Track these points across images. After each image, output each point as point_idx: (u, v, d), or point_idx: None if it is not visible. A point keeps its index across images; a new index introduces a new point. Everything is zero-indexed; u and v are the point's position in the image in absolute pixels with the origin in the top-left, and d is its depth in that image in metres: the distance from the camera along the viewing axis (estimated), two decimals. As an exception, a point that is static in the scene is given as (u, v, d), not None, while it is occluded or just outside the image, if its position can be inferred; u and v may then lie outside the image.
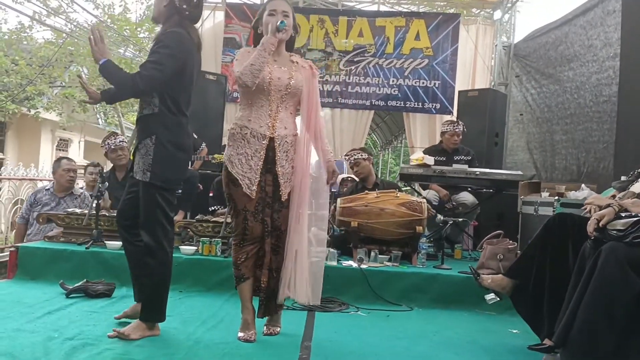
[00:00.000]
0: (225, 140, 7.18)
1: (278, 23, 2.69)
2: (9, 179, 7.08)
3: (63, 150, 15.14)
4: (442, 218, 4.52)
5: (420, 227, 4.26)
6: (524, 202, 5.18)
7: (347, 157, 5.25)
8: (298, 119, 2.91)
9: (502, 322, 3.45)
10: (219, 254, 3.90)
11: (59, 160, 4.99)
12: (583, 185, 4.70)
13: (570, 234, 2.70)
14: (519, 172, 5.06)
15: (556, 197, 4.61)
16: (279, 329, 2.88)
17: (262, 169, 2.75)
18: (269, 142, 2.76)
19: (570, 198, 4.56)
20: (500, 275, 2.98)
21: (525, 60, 7.71)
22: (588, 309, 2.31)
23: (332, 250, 4.04)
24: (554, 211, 4.38)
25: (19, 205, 6.87)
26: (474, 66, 8.09)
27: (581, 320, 2.32)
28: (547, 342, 2.63)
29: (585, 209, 2.75)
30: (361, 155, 5.08)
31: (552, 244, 2.74)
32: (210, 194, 5.07)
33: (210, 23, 8.17)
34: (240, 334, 2.73)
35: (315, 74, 2.92)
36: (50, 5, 12.06)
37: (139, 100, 2.81)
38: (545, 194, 4.89)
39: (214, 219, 4.21)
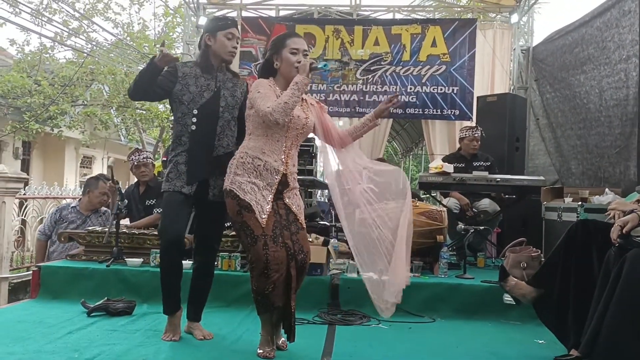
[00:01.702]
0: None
1: (320, 65, 2.73)
2: (33, 198, 7.19)
3: (87, 167, 15.38)
4: (463, 226, 4.45)
5: (441, 236, 4.20)
6: (546, 208, 5.09)
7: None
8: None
9: (527, 332, 3.36)
10: (238, 268, 3.89)
11: (97, 179, 4.93)
12: (607, 189, 4.59)
13: (594, 240, 2.64)
14: (541, 178, 4.96)
15: (580, 203, 4.51)
16: (283, 339, 2.83)
17: (272, 201, 2.73)
18: (282, 177, 2.75)
19: (594, 203, 4.46)
20: (524, 282, 2.92)
21: (542, 64, 7.59)
22: (614, 318, 2.24)
23: (352, 262, 4.00)
24: (577, 217, 4.29)
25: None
26: (493, 71, 8.00)
27: (607, 330, 2.26)
28: (574, 352, 2.57)
29: (609, 214, 2.69)
30: None
31: (575, 252, 2.68)
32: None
33: (227, 37, 8.22)
34: (260, 351, 2.70)
35: (324, 108, 2.95)
36: (70, 26, 12.29)
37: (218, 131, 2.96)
38: (568, 199, 4.79)
39: (233, 234, 4.20)
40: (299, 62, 2.72)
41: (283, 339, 2.83)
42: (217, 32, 2.94)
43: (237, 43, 3.00)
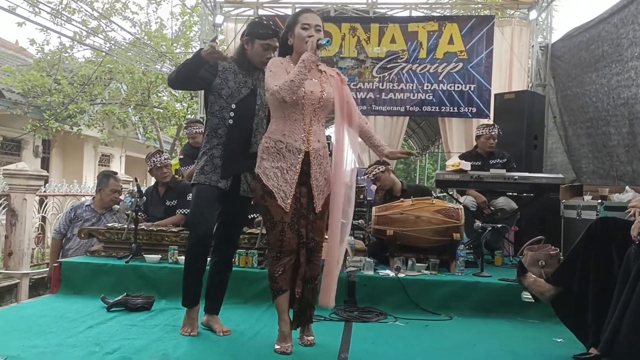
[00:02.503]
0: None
1: (323, 42, 2.69)
2: (53, 195, 7.29)
3: (105, 165, 15.52)
4: (480, 224, 4.43)
5: (458, 234, 4.18)
6: (565, 206, 5.04)
7: (366, 176, 5.27)
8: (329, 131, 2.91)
9: (545, 330, 3.34)
10: (255, 265, 3.91)
11: (107, 177, 4.96)
12: (627, 187, 4.53)
13: (614, 238, 2.61)
14: (560, 176, 4.91)
15: (599, 201, 4.46)
16: (313, 337, 2.86)
17: (297, 182, 2.74)
18: (305, 156, 2.75)
19: (614, 201, 4.41)
20: (543, 279, 2.90)
21: (559, 61, 7.51)
22: (634, 316, 2.22)
23: (368, 259, 4.01)
24: (597, 215, 4.24)
25: (63, 221, 7.05)
26: (510, 68, 7.94)
27: (627, 328, 2.24)
28: (593, 351, 2.55)
29: (629, 212, 2.66)
30: (379, 169, 5.09)
31: (595, 250, 2.66)
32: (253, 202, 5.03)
33: (243, 36, 8.26)
34: (277, 346, 2.72)
35: (344, 80, 2.90)
36: (89, 26, 12.41)
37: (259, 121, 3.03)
38: (587, 197, 4.74)
39: (250, 231, 4.23)
40: (310, 37, 2.72)
41: (312, 337, 2.86)
42: (255, 39, 2.97)
43: (274, 52, 3.00)
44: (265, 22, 3.01)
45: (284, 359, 2.65)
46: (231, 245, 3.18)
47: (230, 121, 2.95)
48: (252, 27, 3.02)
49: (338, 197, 2.75)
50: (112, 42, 12.70)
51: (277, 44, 2.96)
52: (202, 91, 3.07)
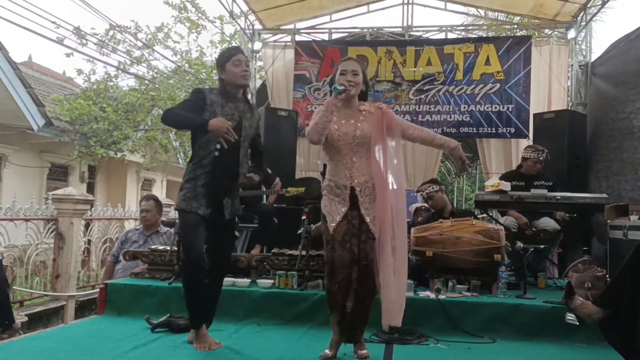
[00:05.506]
0: (297, 175, 7.33)
1: (335, 87, 2.95)
2: (98, 219, 7.49)
3: (147, 189, 15.86)
4: (522, 245, 4.35)
5: (499, 255, 4.11)
6: (611, 227, 4.90)
7: (419, 193, 5.24)
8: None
9: (593, 354, 3.25)
10: (295, 287, 3.93)
11: (141, 200, 5.23)
12: (676, 207, 4.40)
13: (663, 259, 2.54)
14: (604, 195, 4.80)
15: (646, 221, 4.33)
16: (366, 351, 2.98)
17: (347, 209, 2.96)
18: (351, 190, 2.97)
19: (662, 221, 4.27)
20: (590, 302, 2.84)
21: (594, 78, 7.38)
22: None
23: (408, 280, 3.97)
24: (644, 235, 4.11)
25: (108, 244, 7.24)
26: (549, 87, 7.82)
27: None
28: (644, 375, 2.46)
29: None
30: (433, 188, 5.05)
31: (643, 270, 2.58)
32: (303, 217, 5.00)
33: (281, 61, 8.43)
34: (326, 351, 2.96)
35: (385, 112, 3.04)
36: (133, 55, 12.84)
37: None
38: (634, 217, 4.61)
39: (289, 252, 4.26)
40: (349, 82, 2.97)
41: (366, 351, 2.98)
42: (224, 64, 3.13)
43: (247, 66, 3.16)
44: (225, 49, 3.27)
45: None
46: (220, 271, 3.26)
47: (216, 153, 3.07)
48: (217, 58, 3.23)
49: (384, 220, 2.90)
50: (155, 70, 13.09)
51: (246, 57, 3.17)
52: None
